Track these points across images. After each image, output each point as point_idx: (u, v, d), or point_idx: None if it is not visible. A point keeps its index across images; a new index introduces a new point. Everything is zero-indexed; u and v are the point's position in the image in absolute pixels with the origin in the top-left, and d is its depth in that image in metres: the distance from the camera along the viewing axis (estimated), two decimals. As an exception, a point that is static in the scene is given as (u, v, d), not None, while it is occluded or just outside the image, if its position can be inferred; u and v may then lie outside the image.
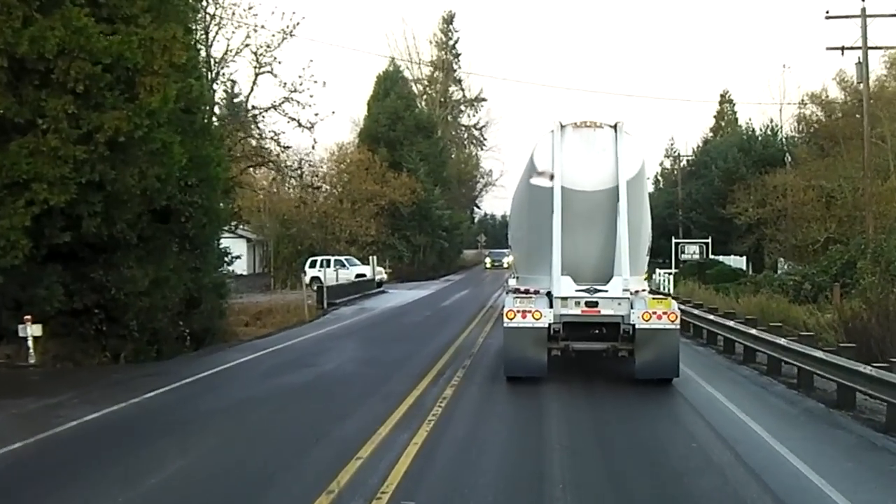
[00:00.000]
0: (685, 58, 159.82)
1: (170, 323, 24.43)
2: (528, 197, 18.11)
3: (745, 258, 58.23)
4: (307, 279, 53.35)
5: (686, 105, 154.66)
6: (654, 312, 16.21)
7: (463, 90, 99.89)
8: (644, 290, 17.82)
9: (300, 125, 36.41)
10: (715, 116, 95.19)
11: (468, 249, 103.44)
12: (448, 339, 24.94)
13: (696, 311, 25.05)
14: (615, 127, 16.74)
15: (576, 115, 20.33)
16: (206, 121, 30.74)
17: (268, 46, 36.07)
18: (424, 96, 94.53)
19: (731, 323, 21.43)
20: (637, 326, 16.14)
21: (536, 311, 16.37)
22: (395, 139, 73.59)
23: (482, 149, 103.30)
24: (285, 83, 36.27)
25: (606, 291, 16.30)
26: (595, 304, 16.36)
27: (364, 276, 52.80)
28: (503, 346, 17.49)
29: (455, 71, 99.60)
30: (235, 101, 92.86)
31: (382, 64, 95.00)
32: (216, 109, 37.98)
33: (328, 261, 53.99)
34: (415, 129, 75.52)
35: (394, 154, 72.06)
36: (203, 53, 35.69)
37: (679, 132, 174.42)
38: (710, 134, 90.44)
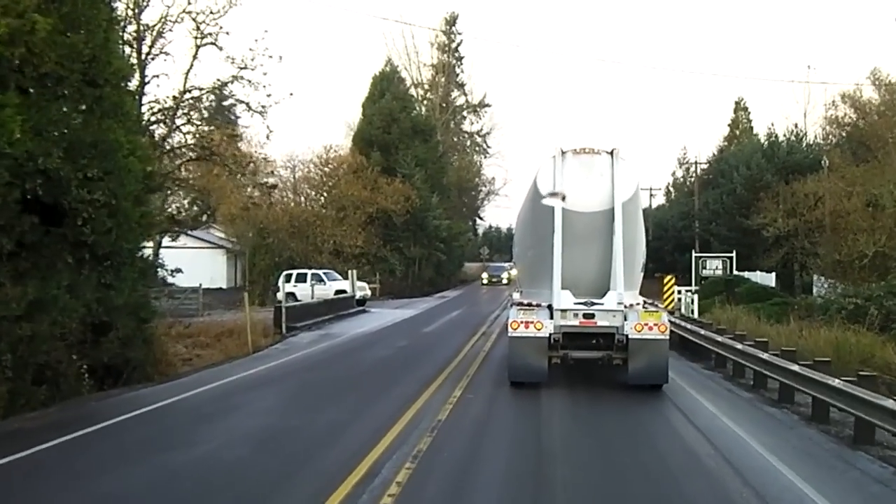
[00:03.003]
0: (697, 62, 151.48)
1: (66, 355, 18.35)
2: (532, 217, 19.02)
3: (773, 274, 50.25)
4: (280, 295, 45.96)
5: (697, 114, 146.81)
6: (646, 324, 16.83)
7: (466, 95, 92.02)
8: (638, 304, 17.73)
9: (250, 108, 28.76)
10: (729, 125, 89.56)
11: (471, 263, 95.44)
12: (413, 390, 17.13)
13: (763, 356, 17.02)
14: (612, 153, 17.29)
15: (576, 140, 21.75)
16: (121, 98, 23.55)
17: (211, 12, 28.39)
18: (425, 101, 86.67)
19: (834, 382, 13.46)
20: (630, 337, 16.79)
21: (538, 321, 17.05)
22: (390, 142, 65.68)
23: (486, 156, 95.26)
24: (233, 59, 28.59)
25: (602, 304, 16.98)
26: (592, 316, 17.05)
27: (345, 292, 44.94)
28: (508, 353, 17.91)
29: (458, 75, 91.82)
30: (224, 103, 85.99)
31: (380, 65, 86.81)
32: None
33: (304, 275, 46.23)
34: (411, 132, 67.50)
35: (388, 159, 64.21)
36: (131, 21, 28.16)
37: (691, 141, 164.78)
38: (724, 143, 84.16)
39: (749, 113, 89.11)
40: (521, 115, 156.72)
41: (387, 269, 60.64)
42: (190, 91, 28.40)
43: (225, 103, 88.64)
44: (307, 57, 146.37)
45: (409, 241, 63.42)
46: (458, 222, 79.84)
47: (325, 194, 57.38)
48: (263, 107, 28.58)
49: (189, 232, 62.59)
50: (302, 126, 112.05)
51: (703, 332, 21.89)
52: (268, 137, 36.98)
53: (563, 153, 17.32)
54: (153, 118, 28.51)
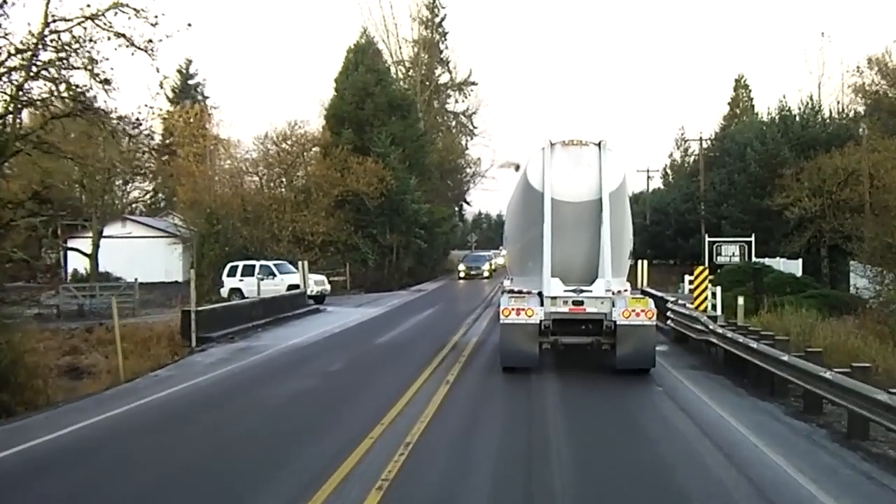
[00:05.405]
0: (694, 38, 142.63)
1: None
2: (522, 207, 19.14)
3: (800, 261, 42.29)
4: (226, 291, 37.94)
5: (695, 93, 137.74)
6: (633, 310, 16.88)
7: (450, 72, 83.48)
8: (626, 290, 17.95)
9: (132, 45, 20.38)
10: (729, 103, 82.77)
11: (458, 251, 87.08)
12: (298, 487, 8.89)
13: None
14: (599, 145, 17.43)
15: (566, 126, 21.53)
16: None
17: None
18: (406, 80, 78.08)
19: None
20: (618, 323, 16.85)
21: (529, 308, 17.06)
22: (363, 119, 57.01)
23: (472, 137, 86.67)
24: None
25: (591, 291, 17.07)
26: (581, 303, 17.13)
27: (298, 287, 36.72)
28: (500, 339, 17.82)
29: (441, 51, 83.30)
30: (190, 81, 77.29)
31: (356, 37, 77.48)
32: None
33: (252, 267, 38.00)
34: (387, 108, 58.78)
35: (361, 137, 55.70)
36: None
37: (688, 121, 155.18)
38: (724, 122, 77.11)
39: (750, 91, 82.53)
40: (509, 92, 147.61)
41: (358, 258, 52.34)
42: (55, 21, 20.08)
43: (190, 82, 79.94)
44: (285, 38, 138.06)
45: (383, 227, 54.97)
46: (440, 206, 71.29)
47: (283, 176, 48.90)
48: (150, 41, 20.23)
49: (132, 218, 54.56)
50: (280, 109, 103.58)
51: (785, 358, 13.57)
52: (161, 85, 28.14)
53: (552, 145, 17.41)
54: (8, 62, 20.19)
